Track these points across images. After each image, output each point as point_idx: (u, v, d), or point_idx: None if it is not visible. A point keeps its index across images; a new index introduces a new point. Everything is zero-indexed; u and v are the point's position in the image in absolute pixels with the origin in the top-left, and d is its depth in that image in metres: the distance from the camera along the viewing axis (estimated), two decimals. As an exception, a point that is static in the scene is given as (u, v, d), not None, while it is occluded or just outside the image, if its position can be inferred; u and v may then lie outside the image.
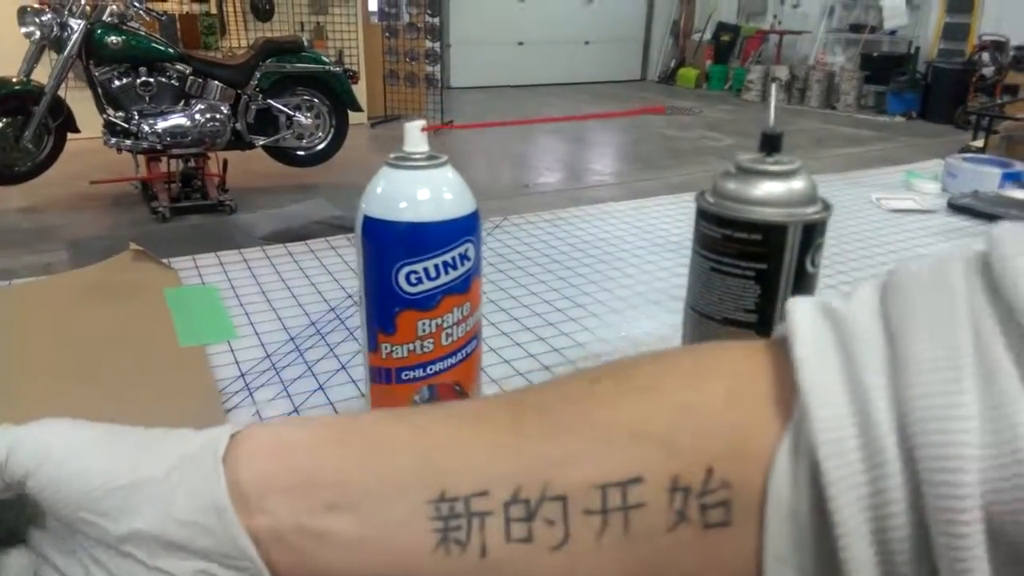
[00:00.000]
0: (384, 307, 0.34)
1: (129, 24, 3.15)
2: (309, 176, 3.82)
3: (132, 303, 0.66)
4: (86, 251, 2.81)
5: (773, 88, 0.37)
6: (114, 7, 3.07)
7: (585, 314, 0.66)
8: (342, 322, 0.65)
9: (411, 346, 0.35)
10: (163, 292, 0.68)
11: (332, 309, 0.67)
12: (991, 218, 0.91)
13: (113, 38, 3.05)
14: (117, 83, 3.10)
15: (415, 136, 0.34)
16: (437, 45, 5.42)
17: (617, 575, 0.23)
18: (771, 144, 0.32)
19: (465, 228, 0.34)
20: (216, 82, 3.29)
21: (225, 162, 3.36)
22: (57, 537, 0.27)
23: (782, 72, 7.37)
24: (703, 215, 0.35)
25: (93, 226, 3.11)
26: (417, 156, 0.34)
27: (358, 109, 3.85)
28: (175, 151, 3.19)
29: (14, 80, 3.04)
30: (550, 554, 0.23)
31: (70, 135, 3.19)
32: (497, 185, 4.13)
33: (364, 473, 0.25)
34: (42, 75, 3.12)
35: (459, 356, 0.36)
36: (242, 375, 0.56)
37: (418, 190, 0.33)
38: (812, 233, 0.33)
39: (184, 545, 0.25)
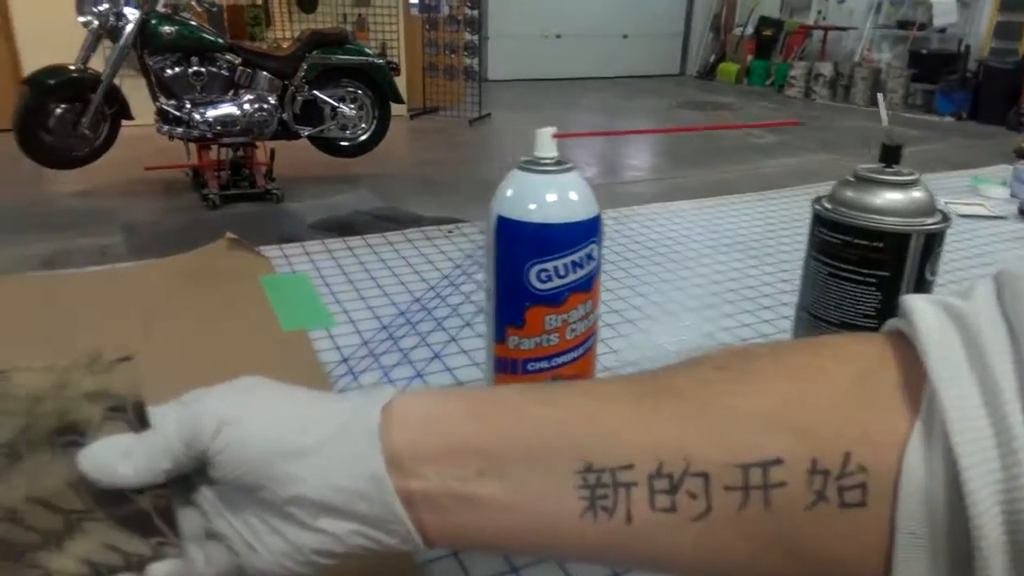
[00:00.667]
0: (514, 302, 0.37)
1: (181, 14, 3.22)
2: (352, 167, 3.88)
3: (230, 289, 0.70)
4: (140, 235, 2.89)
5: (880, 98, 0.38)
6: (167, -3, 3.14)
7: (661, 313, 0.68)
8: (429, 312, 0.67)
9: (538, 339, 0.37)
10: (259, 279, 0.72)
11: (417, 300, 0.70)
12: (1062, 225, 0.91)
13: (167, 28, 3.13)
14: (170, 72, 3.18)
15: (546, 142, 0.36)
16: (476, 38, 5.44)
17: (755, 545, 0.25)
18: (891, 155, 0.34)
19: (591, 230, 0.36)
20: (264, 73, 3.35)
21: (272, 151, 3.42)
22: (225, 495, 0.29)
23: (826, 68, 7.25)
24: (821, 221, 0.36)
25: (146, 211, 3.19)
26: (547, 161, 0.36)
27: (400, 101, 3.89)
28: (225, 140, 3.26)
29: (72, 68, 3.13)
30: (692, 523, 0.25)
31: (124, 122, 3.28)
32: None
33: (508, 443, 0.28)
34: (97, 64, 3.21)
35: (581, 350, 0.38)
36: (344, 360, 0.59)
37: (549, 193, 0.36)
38: (932, 242, 0.34)
39: (342, 509, 0.27)
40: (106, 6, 3.06)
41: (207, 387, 0.31)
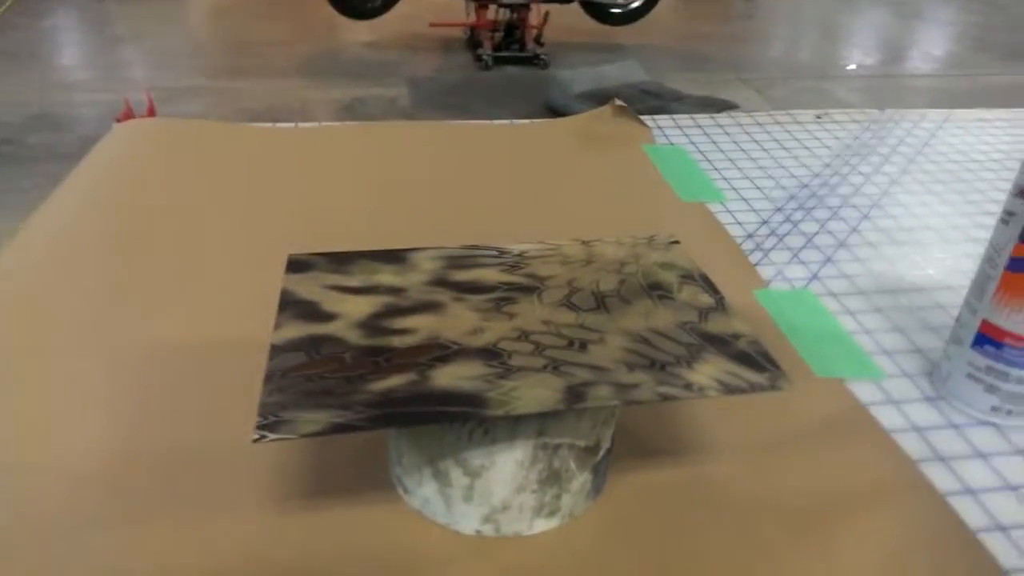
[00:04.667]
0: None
1: None
2: (617, 35, 3.79)
3: (618, 155, 0.74)
4: (422, 88, 3.11)
5: None
6: None
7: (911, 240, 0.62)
8: (821, 200, 0.67)
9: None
10: (641, 148, 0.75)
11: (806, 185, 0.69)
12: None
13: None
14: (460, -73, 3.25)
15: None
16: None
17: None
18: None
19: None
20: (548, -71, 3.30)
21: (546, 15, 3.43)
22: None
23: None
24: None
25: (426, 66, 3.40)
26: None
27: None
28: (505, 0, 3.31)
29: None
30: None
31: (413, -23, 3.45)
32: (809, 61, 3.77)
33: None
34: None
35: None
36: (750, 236, 0.61)
37: None
38: None
39: None
40: None
41: None
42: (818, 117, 0.84)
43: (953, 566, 0.33)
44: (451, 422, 0.30)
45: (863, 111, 0.86)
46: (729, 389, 0.30)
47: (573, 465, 0.34)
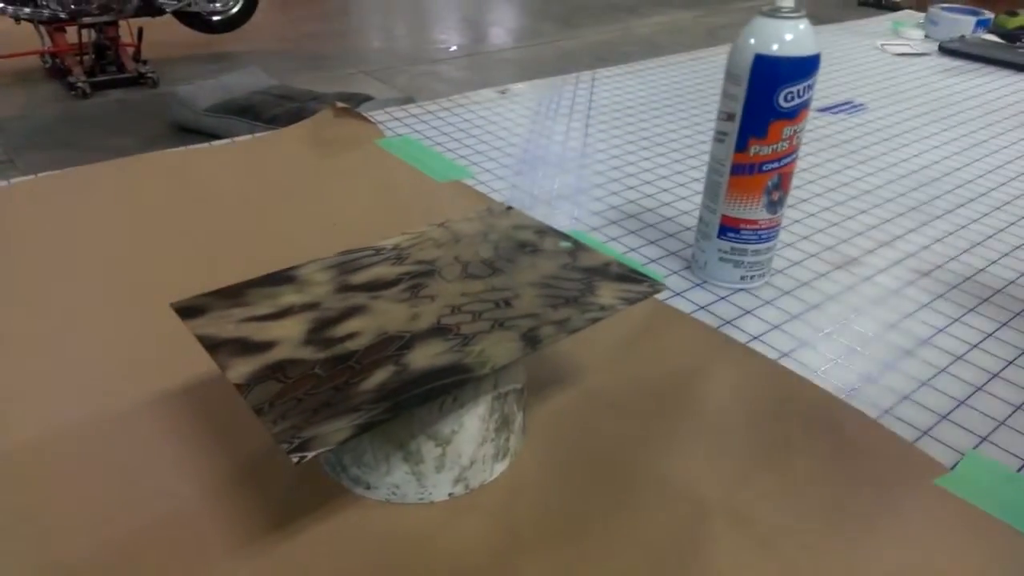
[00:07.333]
0: (761, 119, 0.49)
1: None
2: (226, 44, 3.62)
3: (356, 154, 0.76)
4: (12, 131, 2.62)
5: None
6: None
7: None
8: (544, 159, 0.78)
9: (775, 146, 0.50)
10: (375, 143, 0.79)
11: (527, 150, 0.80)
12: (977, 59, 1.14)
13: None
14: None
15: (787, -5, 0.48)
16: None
17: None
18: None
19: (819, 60, 0.50)
20: (117, -61, 2.98)
21: (140, 30, 3.12)
22: None
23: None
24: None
25: (7, 105, 2.86)
26: (789, 9, 0.48)
27: (270, -32, 3.61)
28: (84, 20, 2.92)
29: None
30: None
31: (-47, 3, 2.85)
32: (413, 48, 4.06)
33: None
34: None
35: (796, 154, 0.52)
36: (511, 200, 0.69)
37: (796, 34, 0.48)
38: None
39: None
40: None
41: None
42: (501, 93, 0.96)
43: (776, 388, 0.46)
44: (457, 390, 0.33)
45: (532, 82, 1.00)
46: (629, 301, 0.38)
47: (515, 407, 0.39)
